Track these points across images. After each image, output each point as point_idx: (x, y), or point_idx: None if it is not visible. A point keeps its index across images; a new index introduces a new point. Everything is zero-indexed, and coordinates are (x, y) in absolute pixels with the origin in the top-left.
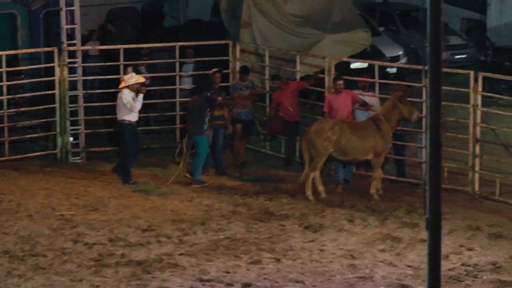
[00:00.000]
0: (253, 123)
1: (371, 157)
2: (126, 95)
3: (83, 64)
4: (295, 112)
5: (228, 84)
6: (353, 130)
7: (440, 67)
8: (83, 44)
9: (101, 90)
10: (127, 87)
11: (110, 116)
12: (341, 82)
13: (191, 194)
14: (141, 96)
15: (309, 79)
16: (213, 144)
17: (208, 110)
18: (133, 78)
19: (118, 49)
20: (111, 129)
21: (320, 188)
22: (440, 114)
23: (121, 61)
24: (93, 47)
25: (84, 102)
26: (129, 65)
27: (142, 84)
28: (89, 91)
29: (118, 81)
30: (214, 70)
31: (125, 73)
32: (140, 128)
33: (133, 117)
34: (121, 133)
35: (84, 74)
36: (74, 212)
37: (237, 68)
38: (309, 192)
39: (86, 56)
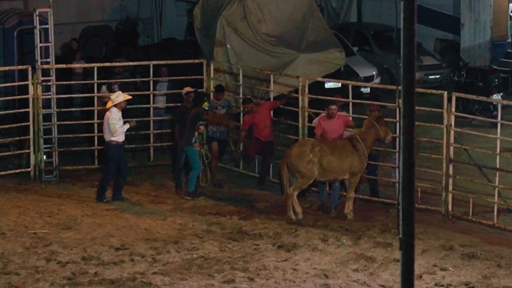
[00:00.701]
0: (227, 143)
1: (347, 177)
2: (114, 114)
3: (57, 82)
4: (269, 132)
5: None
6: (332, 151)
7: (414, 87)
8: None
9: (77, 108)
10: (115, 106)
11: (85, 134)
12: (334, 107)
13: (165, 213)
14: (127, 126)
15: (281, 99)
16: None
17: (199, 123)
18: (120, 97)
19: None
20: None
21: (298, 209)
22: (413, 134)
23: (95, 79)
24: (67, 65)
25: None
26: (103, 83)
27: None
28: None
29: (92, 99)
30: (187, 89)
31: (98, 91)
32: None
33: (120, 137)
34: (107, 153)
35: (68, 92)
36: (47, 231)
37: (211, 86)
38: (290, 213)
39: (71, 75)
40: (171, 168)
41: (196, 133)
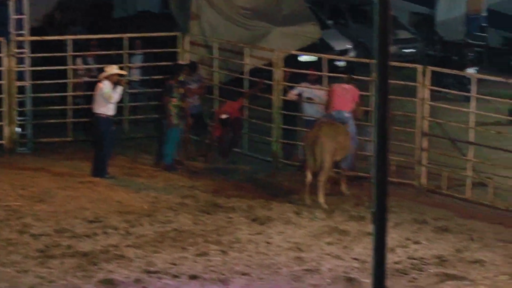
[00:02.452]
0: (202, 117)
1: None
2: (107, 85)
3: (30, 55)
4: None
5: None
6: (344, 130)
7: (388, 61)
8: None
9: (49, 81)
10: (107, 78)
11: (59, 107)
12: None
13: (138, 186)
14: (120, 88)
15: (245, 94)
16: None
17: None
18: (113, 70)
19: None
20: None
21: (322, 199)
22: (387, 108)
23: (69, 52)
24: (42, 38)
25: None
26: (78, 56)
27: (122, 76)
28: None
29: (65, 72)
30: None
31: (74, 64)
32: (87, 119)
33: (109, 110)
34: (97, 127)
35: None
36: (20, 203)
37: (186, 59)
38: (323, 200)
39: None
40: (156, 140)
41: (170, 106)
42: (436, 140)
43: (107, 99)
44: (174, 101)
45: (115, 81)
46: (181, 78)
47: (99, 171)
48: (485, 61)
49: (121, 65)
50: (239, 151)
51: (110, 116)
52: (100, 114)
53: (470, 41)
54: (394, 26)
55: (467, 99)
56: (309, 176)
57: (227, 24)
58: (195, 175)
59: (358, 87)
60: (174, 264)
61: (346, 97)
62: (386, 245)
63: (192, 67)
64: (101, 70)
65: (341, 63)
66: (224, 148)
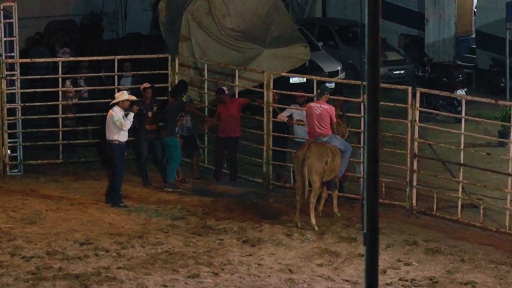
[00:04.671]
0: (194, 138)
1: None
2: (117, 112)
3: (21, 77)
4: (235, 127)
5: (167, 98)
6: (333, 151)
7: (378, 82)
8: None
9: (40, 103)
10: (117, 104)
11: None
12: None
13: (129, 207)
14: (131, 115)
15: (250, 98)
16: (152, 155)
17: (180, 114)
18: (123, 96)
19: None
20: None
21: (314, 221)
22: (377, 130)
23: (60, 74)
24: (32, 60)
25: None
26: (68, 78)
27: (132, 103)
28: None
29: (57, 94)
30: (145, 85)
31: (63, 85)
32: (78, 141)
33: (122, 137)
34: (111, 154)
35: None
36: (11, 225)
37: (176, 81)
38: (314, 220)
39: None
40: (135, 163)
41: (178, 124)
42: (426, 161)
43: (119, 126)
44: (183, 120)
45: (126, 107)
46: (184, 98)
47: (113, 198)
48: (475, 82)
49: (112, 87)
50: (227, 172)
51: (122, 142)
52: (113, 141)
53: (460, 63)
54: (383, 47)
55: (457, 121)
56: (298, 197)
57: (217, 46)
58: (185, 196)
59: (346, 108)
60: (165, 286)
61: (320, 118)
62: (377, 266)
63: (184, 87)
64: (91, 92)
65: (330, 85)
66: (217, 168)
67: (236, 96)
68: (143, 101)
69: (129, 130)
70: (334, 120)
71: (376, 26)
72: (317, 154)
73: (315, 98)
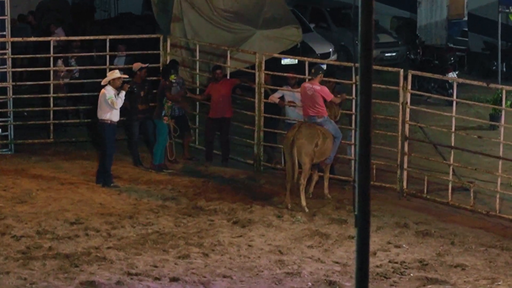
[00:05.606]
0: (186, 118)
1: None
2: (109, 91)
3: (12, 56)
4: (226, 108)
5: (159, 78)
6: (324, 133)
7: (371, 64)
8: None
9: (31, 82)
10: (109, 83)
11: (40, 108)
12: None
13: (120, 188)
14: (123, 93)
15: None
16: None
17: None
18: (115, 74)
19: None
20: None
21: (304, 203)
22: (370, 112)
23: (51, 54)
24: (24, 39)
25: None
26: (60, 57)
27: (124, 81)
28: (18, 83)
29: (48, 73)
30: (141, 65)
31: (55, 65)
32: (69, 121)
33: (114, 116)
34: (102, 134)
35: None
36: (2, 204)
37: (168, 62)
38: (304, 203)
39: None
40: (126, 143)
41: (165, 107)
42: (418, 144)
43: (111, 104)
44: (169, 103)
45: (118, 86)
46: (172, 78)
47: (104, 179)
48: (466, 65)
49: (104, 66)
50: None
51: (114, 122)
52: (105, 120)
53: (452, 46)
54: (376, 30)
55: (448, 103)
56: (289, 179)
57: (209, 27)
58: (176, 177)
59: (338, 90)
60: (156, 267)
61: (312, 99)
62: (368, 248)
63: (173, 66)
64: (82, 72)
65: (322, 67)
66: (209, 149)
67: (228, 77)
68: (135, 81)
69: (120, 110)
70: (330, 97)
71: (369, 8)
72: (307, 136)
73: (307, 79)
